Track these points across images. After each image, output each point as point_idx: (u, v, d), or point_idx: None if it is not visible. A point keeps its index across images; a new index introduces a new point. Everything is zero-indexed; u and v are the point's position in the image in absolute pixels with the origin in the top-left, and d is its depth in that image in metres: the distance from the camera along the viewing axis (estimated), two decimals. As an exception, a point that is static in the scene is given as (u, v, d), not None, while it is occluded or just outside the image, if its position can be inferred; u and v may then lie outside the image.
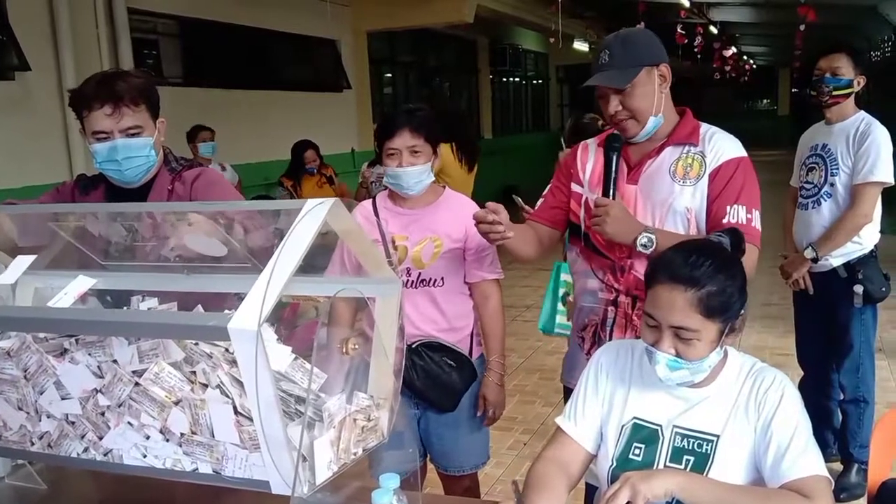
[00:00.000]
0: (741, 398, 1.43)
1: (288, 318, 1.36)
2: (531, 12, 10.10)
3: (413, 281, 2.14)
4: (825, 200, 2.89)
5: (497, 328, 2.22)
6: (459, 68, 12.47)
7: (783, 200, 3.21)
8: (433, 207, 2.18)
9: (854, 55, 2.84)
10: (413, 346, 2.11)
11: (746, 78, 22.88)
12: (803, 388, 3.28)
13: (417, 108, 2.23)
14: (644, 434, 1.48)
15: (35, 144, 4.99)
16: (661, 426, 1.47)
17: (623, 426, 1.50)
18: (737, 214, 1.79)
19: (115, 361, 1.21)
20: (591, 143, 2.02)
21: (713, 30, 13.06)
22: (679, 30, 10.56)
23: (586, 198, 1.95)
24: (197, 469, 1.16)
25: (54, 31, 5.13)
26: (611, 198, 1.83)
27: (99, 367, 1.23)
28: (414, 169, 2.08)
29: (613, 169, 1.84)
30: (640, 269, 1.83)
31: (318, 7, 7.76)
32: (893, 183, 2.81)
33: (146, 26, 6.28)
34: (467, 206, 2.18)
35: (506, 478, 3.31)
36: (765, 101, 28.62)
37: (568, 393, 2.10)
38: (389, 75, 10.42)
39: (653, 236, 1.76)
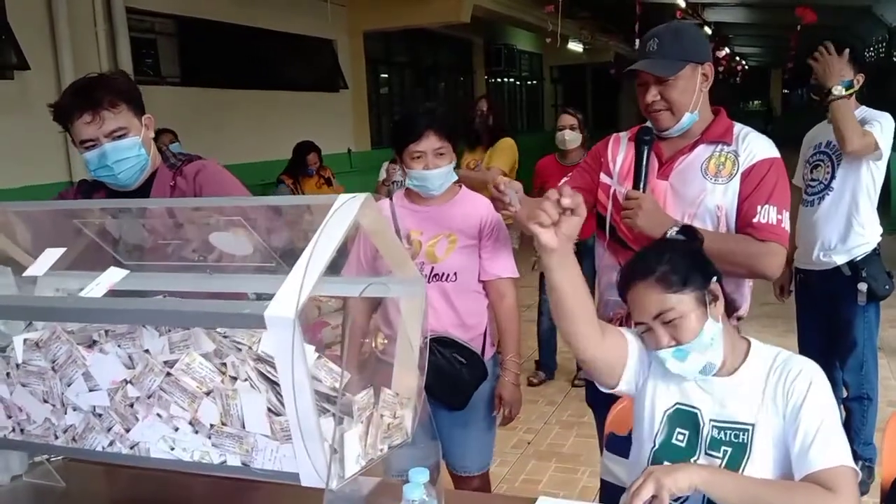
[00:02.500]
0: (769, 387, 1.44)
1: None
2: (527, 12, 10.12)
3: (427, 275, 2.14)
4: (829, 195, 2.91)
5: (513, 327, 2.22)
6: (455, 68, 12.49)
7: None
8: (449, 205, 2.18)
9: (852, 55, 2.86)
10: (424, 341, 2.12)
11: (738, 79, 22.99)
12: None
13: (436, 107, 2.23)
14: (686, 419, 1.49)
15: (34, 144, 4.96)
16: (700, 410, 1.48)
17: (666, 411, 1.51)
18: (767, 214, 1.79)
19: (146, 351, 1.21)
20: (623, 135, 2.02)
21: (707, 31, 13.11)
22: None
23: (615, 190, 1.94)
24: (225, 461, 1.16)
25: (53, 31, 5.12)
26: (641, 191, 1.82)
27: (130, 357, 1.23)
28: (440, 171, 2.09)
29: (644, 162, 1.84)
30: None
31: (315, 7, 7.76)
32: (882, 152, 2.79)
33: (144, 25, 6.27)
34: (483, 205, 2.18)
35: (510, 477, 3.32)
36: (754, 101, 28.68)
37: (591, 386, 2.09)
38: (386, 75, 10.42)
39: None
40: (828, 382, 1.44)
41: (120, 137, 1.79)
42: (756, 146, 1.86)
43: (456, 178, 2.16)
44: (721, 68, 18.08)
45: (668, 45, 1.81)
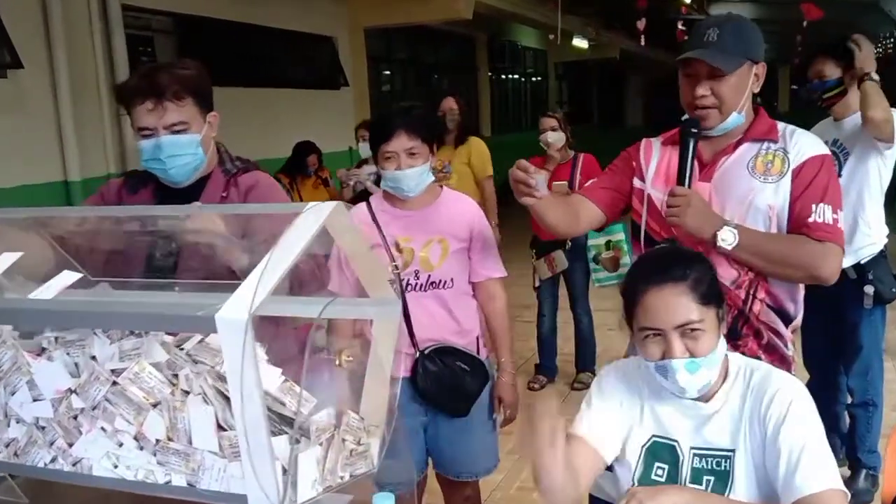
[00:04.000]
0: (747, 409, 1.36)
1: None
2: (530, 9, 10.04)
3: (422, 284, 2.06)
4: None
5: (505, 327, 2.18)
6: (458, 65, 12.41)
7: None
8: (434, 207, 2.10)
9: (837, 54, 2.78)
10: (426, 351, 2.06)
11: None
12: (809, 391, 3.22)
13: (412, 106, 2.17)
14: (664, 453, 1.41)
15: (28, 144, 4.92)
16: (677, 442, 1.40)
17: (643, 446, 1.43)
18: (823, 214, 1.67)
19: (93, 358, 1.14)
20: (656, 140, 1.90)
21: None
22: (680, 26, 10.49)
23: (649, 194, 1.82)
24: (170, 481, 1.09)
25: (47, 28, 5.05)
26: (686, 187, 1.70)
27: (77, 365, 1.16)
28: (413, 171, 2.01)
29: (691, 155, 1.71)
30: (719, 271, 1.63)
31: (314, 3, 7.69)
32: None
33: (140, 23, 6.20)
34: (469, 204, 2.11)
35: (505, 484, 3.24)
36: (758, 98, 28.48)
37: None
38: (388, 72, 10.36)
39: (735, 231, 1.63)
40: (810, 399, 1.35)
41: (180, 132, 1.69)
42: (805, 143, 1.75)
43: (432, 178, 2.09)
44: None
45: (730, 39, 1.69)
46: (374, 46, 9.34)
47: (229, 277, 1.25)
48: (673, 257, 1.42)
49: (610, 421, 1.46)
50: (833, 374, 3.03)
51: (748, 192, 1.72)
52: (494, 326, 2.18)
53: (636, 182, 1.87)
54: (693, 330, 1.32)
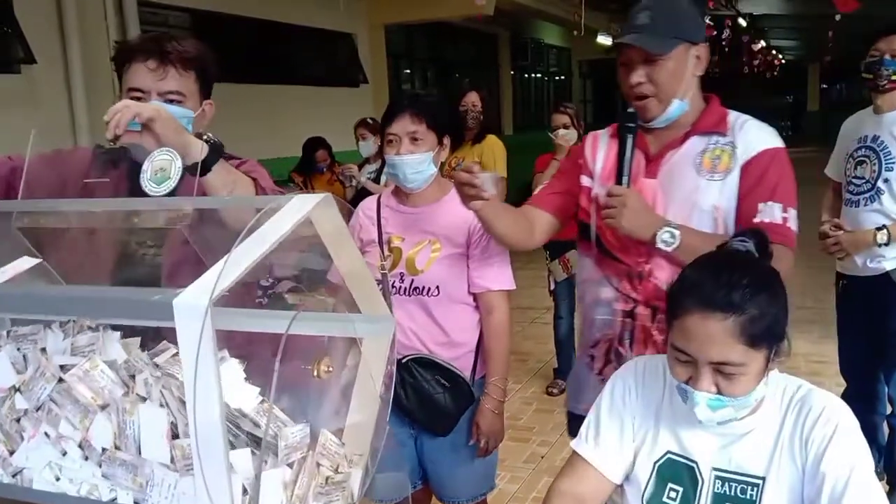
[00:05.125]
0: (785, 432, 1.20)
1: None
2: (553, 5, 9.86)
3: (406, 288, 1.91)
4: (882, 195, 2.63)
5: (499, 346, 1.95)
6: (480, 63, 12.24)
7: (819, 196, 2.97)
8: (436, 206, 1.95)
9: None
10: (403, 361, 1.88)
11: (776, 73, 22.41)
12: (846, 400, 3.04)
13: (425, 94, 2.04)
14: (680, 472, 1.25)
15: (41, 139, 4.85)
16: (697, 463, 1.24)
17: (656, 463, 1.27)
18: (771, 213, 1.56)
19: (43, 350, 1.03)
20: (603, 133, 1.79)
21: (742, 22, 12.71)
22: (707, 21, 10.25)
23: (596, 193, 1.71)
24: (115, 499, 0.96)
25: (61, 23, 5.00)
26: (624, 186, 1.59)
27: (25, 358, 1.05)
28: (412, 158, 1.86)
29: (629, 153, 1.61)
30: (659, 275, 1.61)
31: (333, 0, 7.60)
32: None
33: (157, 19, 6.14)
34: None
35: (521, 495, 3.10)
36: (789, 97, 28.02)
37: (574, 421, 1.88)
38: (408, 70, 10.23)
39: (675, 231, 1.54)
40: (856, 421, 1.19)
41: (174, 101, 1.55)
42: (755, 136, 1.62)
43: (434, 170, 1.93)
44: (757, 62, 17.60)
45: (661, 20, 1.58)
46: (395, 43, 9.23)
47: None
48: (738, 275, 1.16)
49: (619, 439, 1.31)
50: (872, 381, 2.85)
51: (693, 192, 1.61)
52: (488, 343, 1.96)
53: (584, 180, 1.76)
54: (730, 372, 1.14)
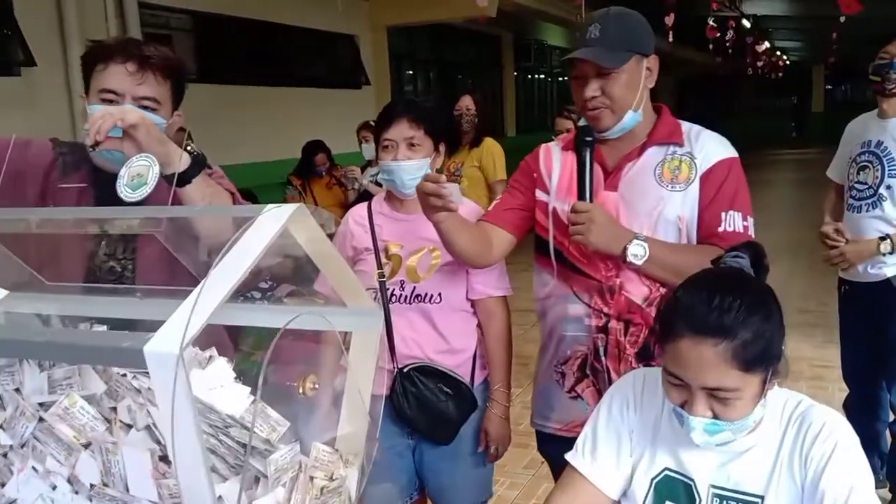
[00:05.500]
0: (785, 450, 1.18)
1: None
2: (556, 6, 9.84)
3: (406, 296, 1.89)
4: (884, 202, 2.60)
5: (502, 353, 1.94)
6: (483, 64, 12.23)
7: (823, 199, 2.94)
8: None
9: None
10: (405, 370, 1.86)
11: (780, 74, 22.36)
12: (848, 406, 3.02)
13: (422, 99, 2.01)
14: (677, 490, 1.23)
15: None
16: (694, 481, 1.22)
17: (653, 479, 1.25)
18: (733, 221, 1.58)
19: (17, 390, 1.00)
20: (554, 145, 1.78)
21: (745, 23, 12.67)
22: (710, 22, 10.22)
23: (554, 207, 1.69)
24: None
25: (61, 26, 4.99)
26: (588, 201, 1.58)
27: (1, 397, 1.03)
28: (410, 164, 1.84)
29: (588, 167, 1.59)
30: (630, 289, 1.60)
31: (334, 1, 7.58)
32: None
33: (158, 21, 6.14)
34: (470, 212, 1.94)
35: (520, 501, 3.07)
36: (793, 98, 27.96)
37: (543, 439, 1.85)
38: (410, 72, 10.22)
39: (644, 244, 1.53)
40: (856, 438, 1.17)
41: (148, 108, 1.51)
42: (712, 146, 1.64)
43: None
44: (761, 63, 17.54)
45: (613, 34, 1.58)
46: (397, 45, 9.22)
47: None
48: (730, 297, 1.11)
49: (616, 453, 1.29)
50: (874, 389, 2.82)
51: (657, 203, 1.61)
52: (490, 350, 1.94)
53: (539, 194, 1.74)
54: (725, 397, 1.11)
